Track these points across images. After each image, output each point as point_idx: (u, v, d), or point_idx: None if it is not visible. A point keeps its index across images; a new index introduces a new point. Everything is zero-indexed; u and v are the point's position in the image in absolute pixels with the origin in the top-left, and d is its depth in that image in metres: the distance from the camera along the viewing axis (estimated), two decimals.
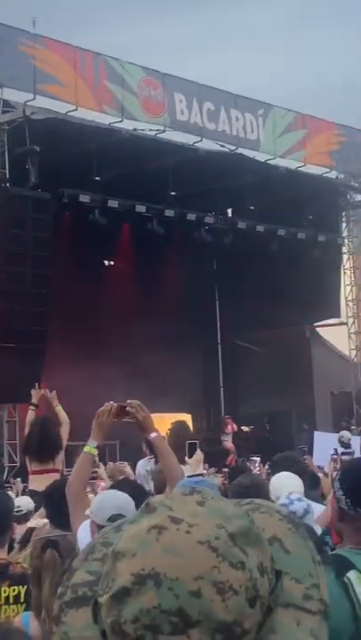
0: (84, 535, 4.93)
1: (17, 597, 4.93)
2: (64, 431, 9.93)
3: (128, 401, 5.16)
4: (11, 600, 4.91)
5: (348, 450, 16.52)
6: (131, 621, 1.12)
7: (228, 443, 24.34)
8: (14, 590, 4.94)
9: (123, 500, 4.66)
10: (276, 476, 6.59)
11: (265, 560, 1.19)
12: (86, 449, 5.39)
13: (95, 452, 5.42)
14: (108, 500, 4.71)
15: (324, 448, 20.27)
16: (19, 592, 4.95)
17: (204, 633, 1.12)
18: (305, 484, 6.46)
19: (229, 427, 24.78)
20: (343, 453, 14.01)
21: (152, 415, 5.39)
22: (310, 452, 22.95)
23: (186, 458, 5.82)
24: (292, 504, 5.37)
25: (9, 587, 4.95)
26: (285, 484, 6.22)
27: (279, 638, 1.17)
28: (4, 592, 4.93)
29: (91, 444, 5.33)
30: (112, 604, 1.14)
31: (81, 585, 1.26)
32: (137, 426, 5.33)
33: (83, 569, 1.28)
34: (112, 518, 4.43)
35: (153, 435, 5.40)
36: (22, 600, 4.92)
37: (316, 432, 23.64)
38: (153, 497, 1.21)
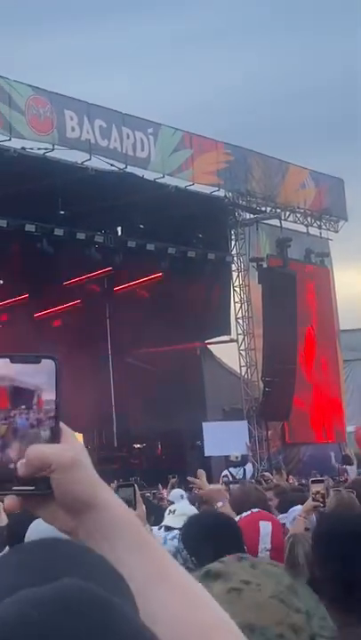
0: None
1: None
2: None
3: None
4: None
5: (236, 478, 16.42)
6: None
7: None
8: None
9: None
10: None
11: (304, 605, 1.57)
12: None
13: None
14: None
15: (216, 439, 20.99)
16: None
17: None
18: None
19: None
20: (232, 482, 13.83)
21: None
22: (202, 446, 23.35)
23: None
24: (165, 543, 5.25)
25: None
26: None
27: None
28: None
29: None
30: None
31: None
32: None
33: None
34: None
35: None
36: None
37: (204, 423, 23.99)
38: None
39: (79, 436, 27.81)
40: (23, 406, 1.20)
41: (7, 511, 5.03)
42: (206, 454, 23.56)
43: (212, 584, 1.53)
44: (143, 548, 1.18)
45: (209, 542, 3.24)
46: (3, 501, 1.22)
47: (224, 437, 22.08)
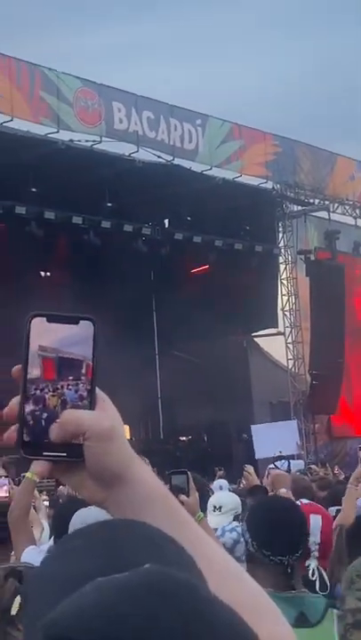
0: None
1: None
2: None
3: None
4: None
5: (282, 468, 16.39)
6: None
7: None
8: None
9: None
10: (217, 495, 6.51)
11: None
12: (28, 474, 5.25)
13: (37, 478, 5.26)
14: None
15: (265, 440, 20.83)
16: None
17: None
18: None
19: None
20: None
21: None
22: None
23: None
24: (222, 536, 5.22)
25: None
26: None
27: None
28: None
29: (33, 470, 5.18)
30: None
31: (357, 611, 1.55)
32: None
33: (351, 597, 1.57)
34: None
35: None
36: None
37: (252, 426, 23.82)
38: None
39: (125, 428, 27.91)
40: (71, 377, 1.15)
41: (38, 477, 5.05)
42: (257, 457, 23.33)
43: None
44: (177, 526, 1.10)
45: (274, 527, 3.23)
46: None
47: (274, 438, 21.76)
